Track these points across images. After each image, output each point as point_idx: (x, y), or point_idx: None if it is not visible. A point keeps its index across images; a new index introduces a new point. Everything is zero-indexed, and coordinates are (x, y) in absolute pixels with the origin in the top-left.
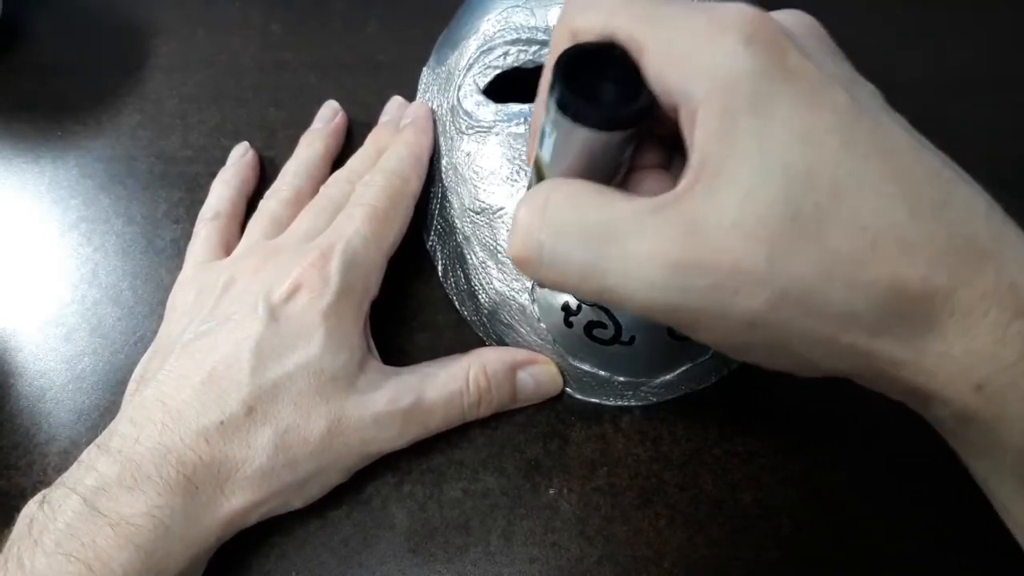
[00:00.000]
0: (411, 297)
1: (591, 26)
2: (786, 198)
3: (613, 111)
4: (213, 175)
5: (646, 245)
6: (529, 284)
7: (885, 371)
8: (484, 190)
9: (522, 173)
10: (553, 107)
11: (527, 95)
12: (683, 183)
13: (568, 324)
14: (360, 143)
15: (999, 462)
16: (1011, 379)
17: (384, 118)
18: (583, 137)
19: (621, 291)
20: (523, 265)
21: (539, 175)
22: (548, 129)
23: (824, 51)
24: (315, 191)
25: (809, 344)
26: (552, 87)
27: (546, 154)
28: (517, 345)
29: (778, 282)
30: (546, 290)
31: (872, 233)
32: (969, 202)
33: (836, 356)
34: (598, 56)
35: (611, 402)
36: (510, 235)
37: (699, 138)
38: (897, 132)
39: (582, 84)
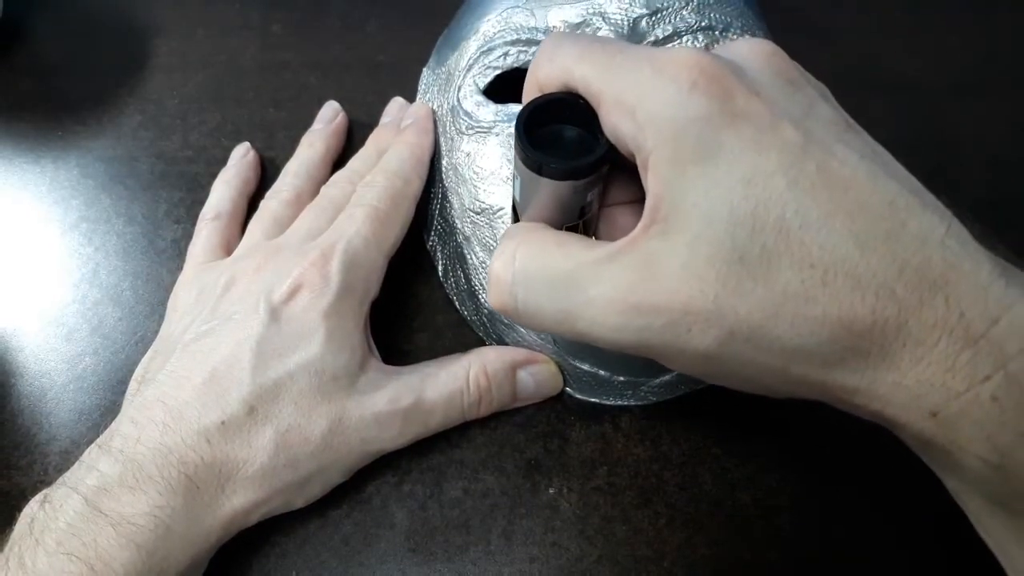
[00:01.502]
0: (411, 297)
1: (554, 78)
2: (732, 241)
3: (572, 161)
4: (214, 175)
5: (606, 290)
6: None
7: (841, 398)
8: (484, 190)
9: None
10: (516, 157)
11: None
12: (638, 228)
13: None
14: (361, 143)
15: (961, 481)
16: (961, 407)
17: (385, 119)
18: (545, 185)
19: (591, 333)
20: (503, 314)
21: (515, 214)
22: (516, 174)
23: (779, 83)
24: (316, 191)
25: (762, 375)
26: (515, 139)
27: (517, 196)
28: (517, 345)
29: (726, 321)
30: None
31: (821, 270)
32: (925, 230)
33: (790, 385)
34: (564, 103)
35: (611, 402)
36: (488, 287)
37: (651, 185)
38: (852, 162)
39: (548, 131)
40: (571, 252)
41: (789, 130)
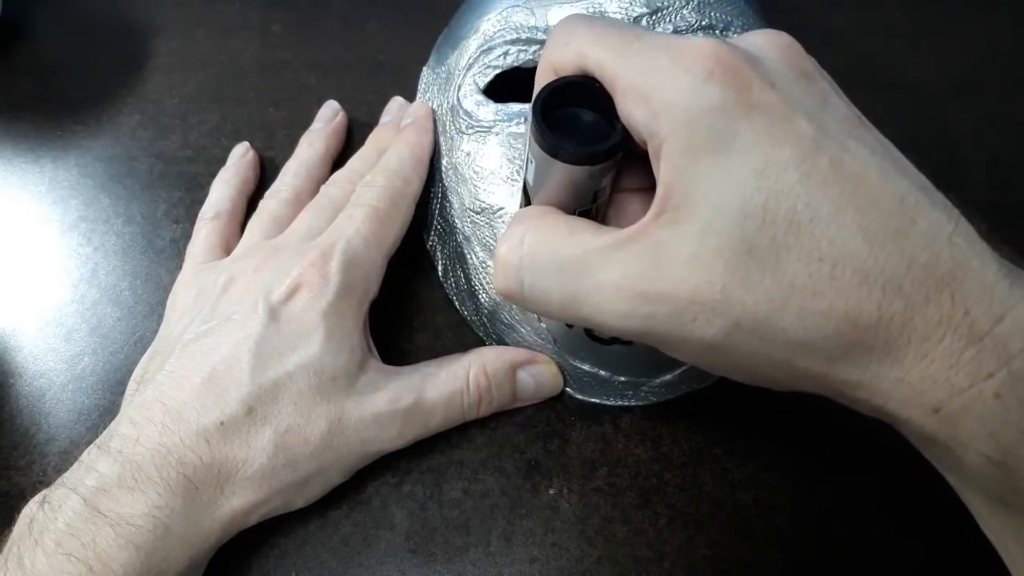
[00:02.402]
0: (411, 297)
1: (568, 61)
2: (742, 232)
3: (588, 146)
4: (213, 175)
5: (614, 277)
6: None
7: (843, 392)
8: (484, 190)
9: (522, 173)
10: (531, 140)
11: (527, 95)
12: (648, 216)
13: (568, 324)
14: (360, 143)
15: (963, 478)
16: (964, 404)
17: (385, 118)
18: (560, 169)
19: (596, 318)
20: (508, 297)
21: (526, 197)
22: (530, 157)
23: (794, 76)
24: (315, 191)
25: (766, 367)
26: (531, 122)
27: (530, 179)
28: (517, 345)
29: (732, 312)
30: None
31: (829, 264)
32: (933, 227)
33: (794, 378)
34: (580, 87)
35: (611, 402)
36: (494, 271)
37: (663, 173)
38: (863, 158)
39: (564, 114)
40: (581, 238)
41: (803, 123)
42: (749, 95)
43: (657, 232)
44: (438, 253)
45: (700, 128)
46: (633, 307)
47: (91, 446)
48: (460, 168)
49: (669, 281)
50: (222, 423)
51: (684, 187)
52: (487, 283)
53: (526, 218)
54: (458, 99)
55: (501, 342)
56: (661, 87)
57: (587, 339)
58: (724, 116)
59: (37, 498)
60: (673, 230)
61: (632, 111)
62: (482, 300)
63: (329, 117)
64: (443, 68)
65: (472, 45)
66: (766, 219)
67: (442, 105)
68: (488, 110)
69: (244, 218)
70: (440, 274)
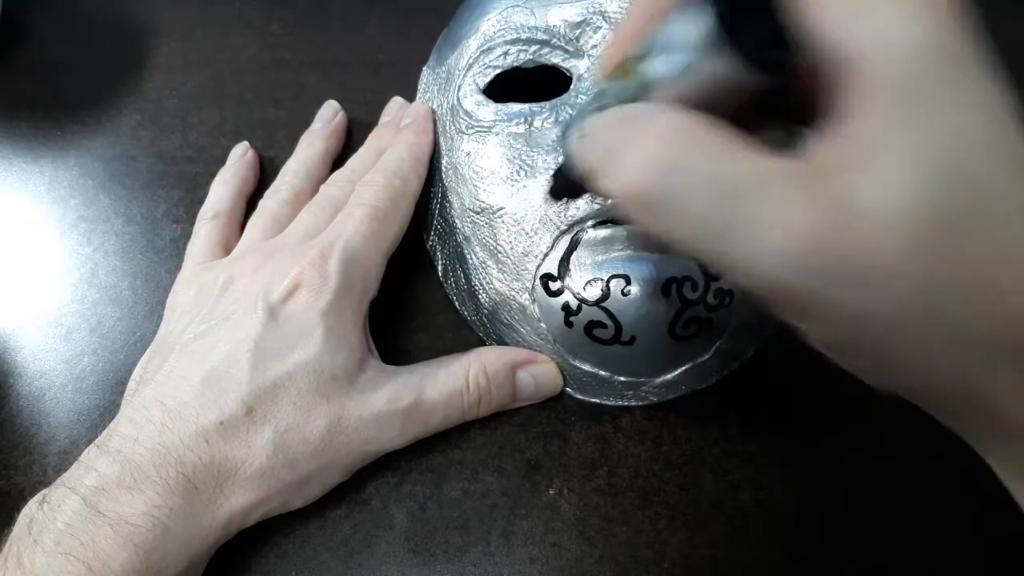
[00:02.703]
0: (411, 297)
1: None
2: (939, 200)
3: (775, 50)
4: (213, 175)
5: (782, 215)
6: (529, 284)
7: (972, 403)
8: (484, 190)
9: (522, 173)
10: (704, 22)
11: (527, 95)
12: (823, 154)
13: (568, 324)
14: (360, 143)
15: None
16: None
17: (385, 118)
18: (726, 70)
19: (740, 258)
20: (635, 200)
21: (627, 98)
22: (678, 47)
23: (970, 41)
24: (315, 191)
25: (914, 355)
26: (702, 9)
27: (656, 73)
28: (517, 345)
29: (912, 284)
30: (546, 291)
31: (1019, 256)
32: None
33: (932, 373)
34: None
35: (611, 402)
36: (616, 164)
37: (854, 110)
38: None
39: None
40: (740, 152)
41: (992, 92)
42: (957, 44)
43: (840, 177)
44: (438, 253)
45: (909, 69)
46: (796, 255)
47: (91, 446)
48: (460, 168)
49: (848, 236)
50: (221, 423)
51: (878, 133)
52: (487, 283)
53: (667, 111)
54: (458, 99)
55: (501, 342)
56: (874, 11)
57: (587, 339)
58: (936, 62)
59: (37, 498)
60: (860, 178)
61: (829, 28)
62: (482, 300)
63: (329, 117)
64: (443, 68)
65: (472, 45)
66: (965, 191)
67: (442, 105)
68: (488, 110)
69: (244, 218)
70: (440, 274)
